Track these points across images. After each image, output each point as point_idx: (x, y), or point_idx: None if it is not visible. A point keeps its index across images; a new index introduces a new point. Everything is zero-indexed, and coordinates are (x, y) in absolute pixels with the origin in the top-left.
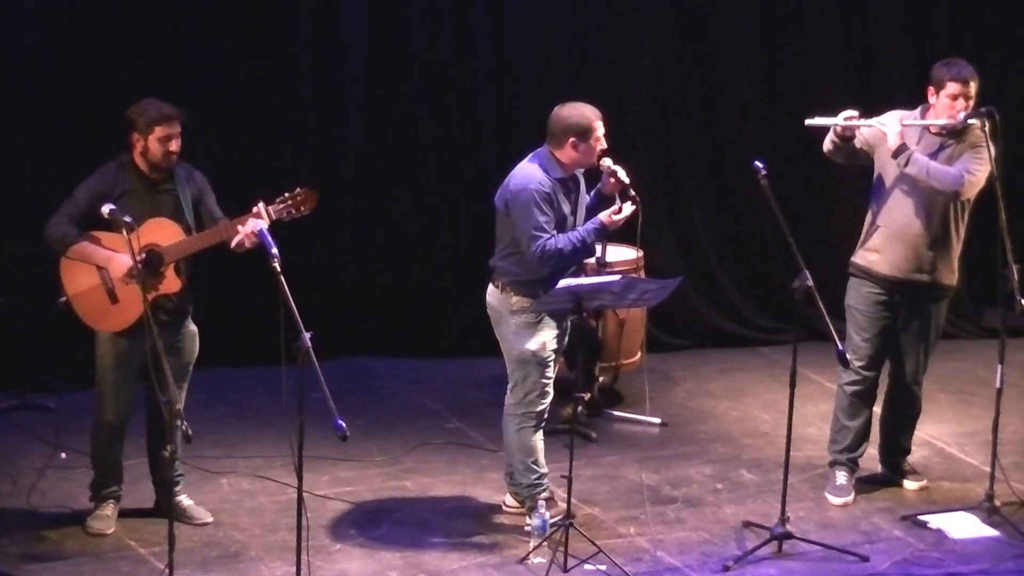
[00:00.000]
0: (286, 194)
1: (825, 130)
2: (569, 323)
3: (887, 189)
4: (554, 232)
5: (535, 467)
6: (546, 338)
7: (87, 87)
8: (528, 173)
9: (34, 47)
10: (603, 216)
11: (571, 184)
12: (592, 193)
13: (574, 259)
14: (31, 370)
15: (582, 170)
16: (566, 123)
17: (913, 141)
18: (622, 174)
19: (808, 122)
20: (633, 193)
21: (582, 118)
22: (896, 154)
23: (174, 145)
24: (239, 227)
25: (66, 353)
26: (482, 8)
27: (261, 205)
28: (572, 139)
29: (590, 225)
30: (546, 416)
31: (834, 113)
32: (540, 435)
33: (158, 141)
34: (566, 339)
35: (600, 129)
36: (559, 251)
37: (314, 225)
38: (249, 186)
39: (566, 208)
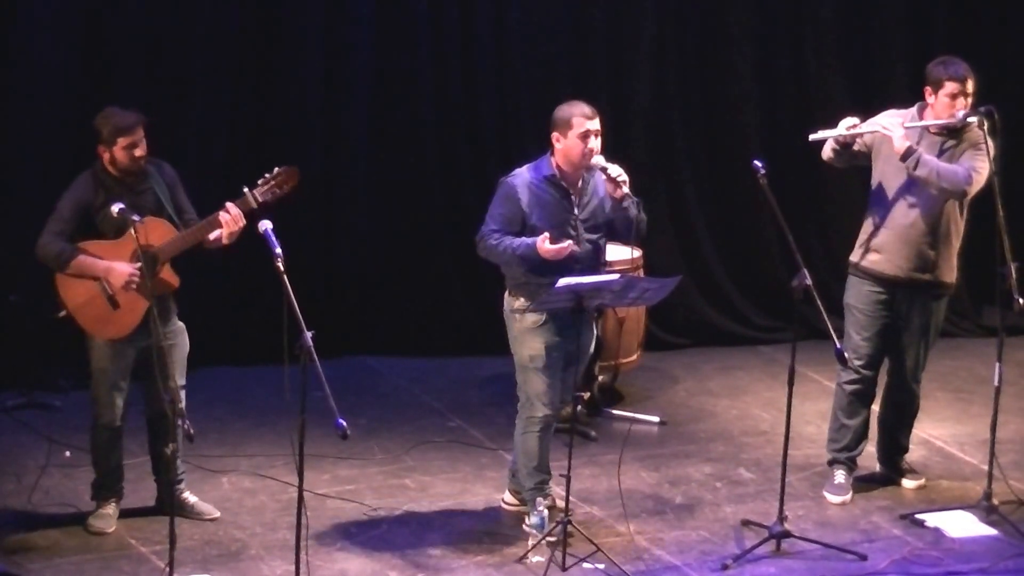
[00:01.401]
0: (267, 175)
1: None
2: (592, 330)
3: (887, 190)
4: (501, 228)
5: (537, 472)
6: (545, 345)
7: (98, 88)
8: (520, 168)
9: (46, 50)
10: (539, 240)
11: (567, 184)
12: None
13: (506, 262)
14: (38, 369)
15: (587, 171)
16: (553, 117)
17: (914, 143)
18: (613, 171)
19: (812, 137)
20: (627, 191)
21: (564, 112)
22: (905, 157)
23: (139, 151)
24: (221, 216)
25: (73, 352)
26: (486, 8)
27: (246, 190)
28: (555, 133)
29: (528, 241)
30: (551, 422)
31: (834, 124)
32: (545, 441)
33: (123, 150)
34: (588, 345)
35: (582, 126)
36: (492, 247)
37: (316, 225)
38: (252, 185)
39: (542, 210)
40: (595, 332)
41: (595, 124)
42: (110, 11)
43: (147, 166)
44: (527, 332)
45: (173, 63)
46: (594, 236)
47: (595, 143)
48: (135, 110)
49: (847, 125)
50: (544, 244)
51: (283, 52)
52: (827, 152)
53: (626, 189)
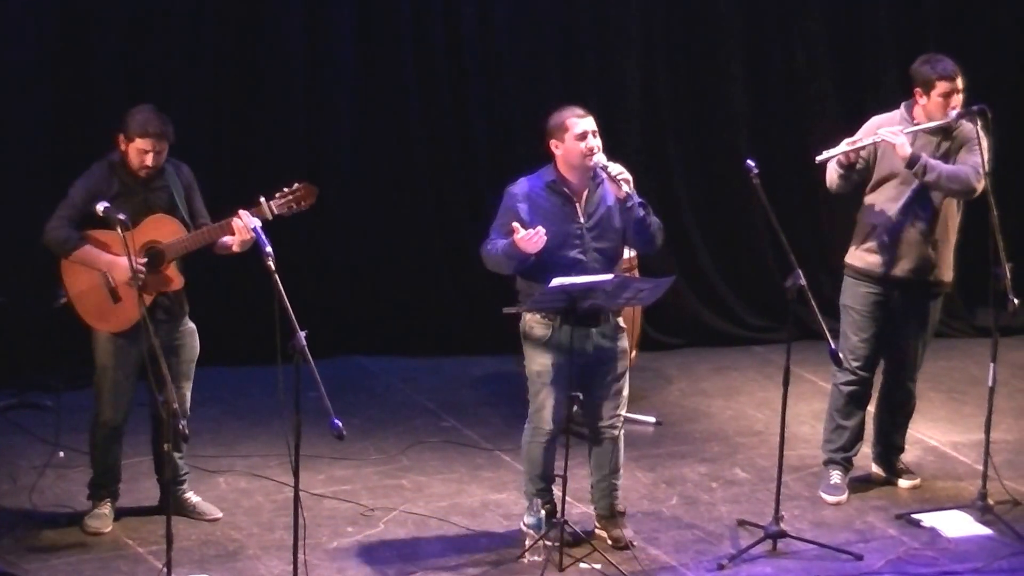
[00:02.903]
0: (285, 189)
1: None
2: (614, 339)
3: (883, 191)
4: (498, 237)
5: (540, 479)
6: (552, 361)
7: (83, 86)
8: (522, 177)
9: (29, 48)
10: (517, 236)
11: (571, 191)
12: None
13: (499, 264)
14: (29, 369)
15: (592, 178)
16: (547, 127)
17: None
18: (613, 169)
19: (819, 158)
20: (628, 190)
21: (556, 119)
22: (911, 164)
23: (149, 160)
24: (233, 223)
25: (64, 352)
26: (471, 7)
27: (263, 200)
28: (552, 140)
29: (511, 238)
30: (554, 433)
31: (828, 127)
32: (551, 452)
33: (137, 151)
34: (614, 354)
35: (577, 127)
36: (487, 252)
37: (308, 224)
38: (242, 185)
39: (542, 219)
40: (622, 342)
41: (590, 123)
42: (88, 9)
43: (165, 165)
44: (535, 347)
45: (154, 59)
46: (603, 245)
47: (594, 141)
48: (170, 124)
49: (848, 142)
50: (516, 236)
51: (267, 52)
52: (833, 179)
53: (627, 188)
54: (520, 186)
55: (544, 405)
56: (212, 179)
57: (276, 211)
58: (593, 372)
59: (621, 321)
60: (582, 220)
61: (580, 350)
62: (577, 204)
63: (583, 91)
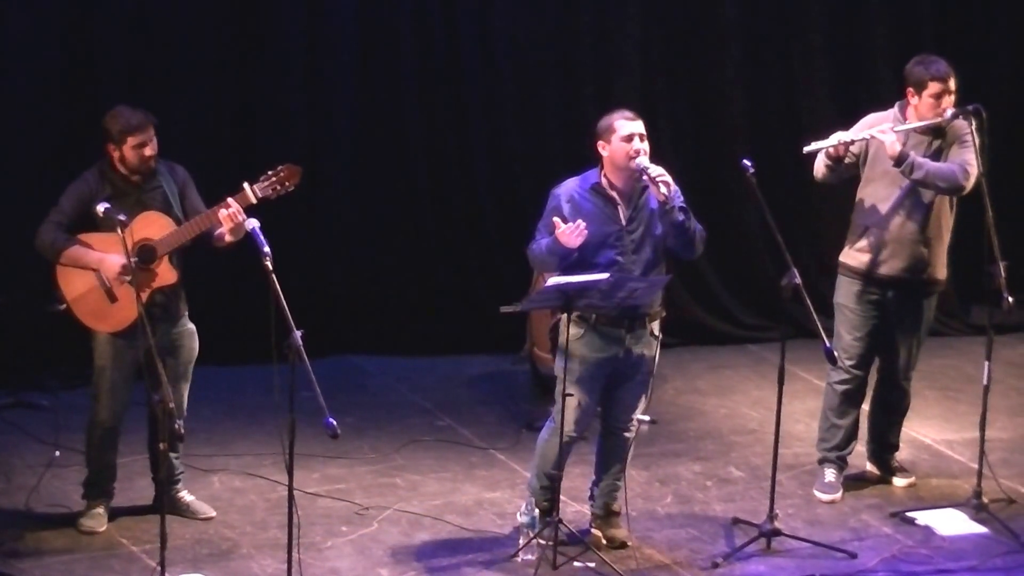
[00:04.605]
0: (269, 172)
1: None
2: (645, 347)
3: (876, 190)
4: (542, 237)
5: (544, 478)
6: (578, 362)
7: (84, 86)
8: (566, 180)
9: (31, 47)
10: (558, 231)
11: (617, 194)
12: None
13: (545, 263)
14: (26, 369)
15: (638, 180)
16: (596, 129)
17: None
18: (653, 171)
19: (806, 149)
20: (667, 193)
21: (606, 120)
22: (899, 162)
23: (148, 151)
24: (220, 211)
25: (61, 352)
26: (471, 11)
27: (246, 185)
28: (600, 142)
29: (553, 236)
30: (575, 439)
31: (824, 131)
32: (565, 454)
33: (132, 150)
34: (641, 362)
35: (624, 129)
36: (533, 251)
37: (305, 224)
38: (252, 180)
39: (584, 221)
40: (653, 349)
41: (638, 126)
42: (93, 7)
43: (158, 166)
44: (564, 346)
45: (156, 62)
46: (644, 249)
47: (640, 144)
48: (143, 111)
49: (838, 137)
50: (557, 232)
51: (266, 49)
52: (820, 169)
53: (665, 191)
54: (564, 187)
55: (567, 406)
56: (212, 182)
57: (260, 194)
58: (620, 374)
59: (655, 328)
60: (623, 222)
61: (610, 353)
62: (620, 206)
63: (582, 91)
